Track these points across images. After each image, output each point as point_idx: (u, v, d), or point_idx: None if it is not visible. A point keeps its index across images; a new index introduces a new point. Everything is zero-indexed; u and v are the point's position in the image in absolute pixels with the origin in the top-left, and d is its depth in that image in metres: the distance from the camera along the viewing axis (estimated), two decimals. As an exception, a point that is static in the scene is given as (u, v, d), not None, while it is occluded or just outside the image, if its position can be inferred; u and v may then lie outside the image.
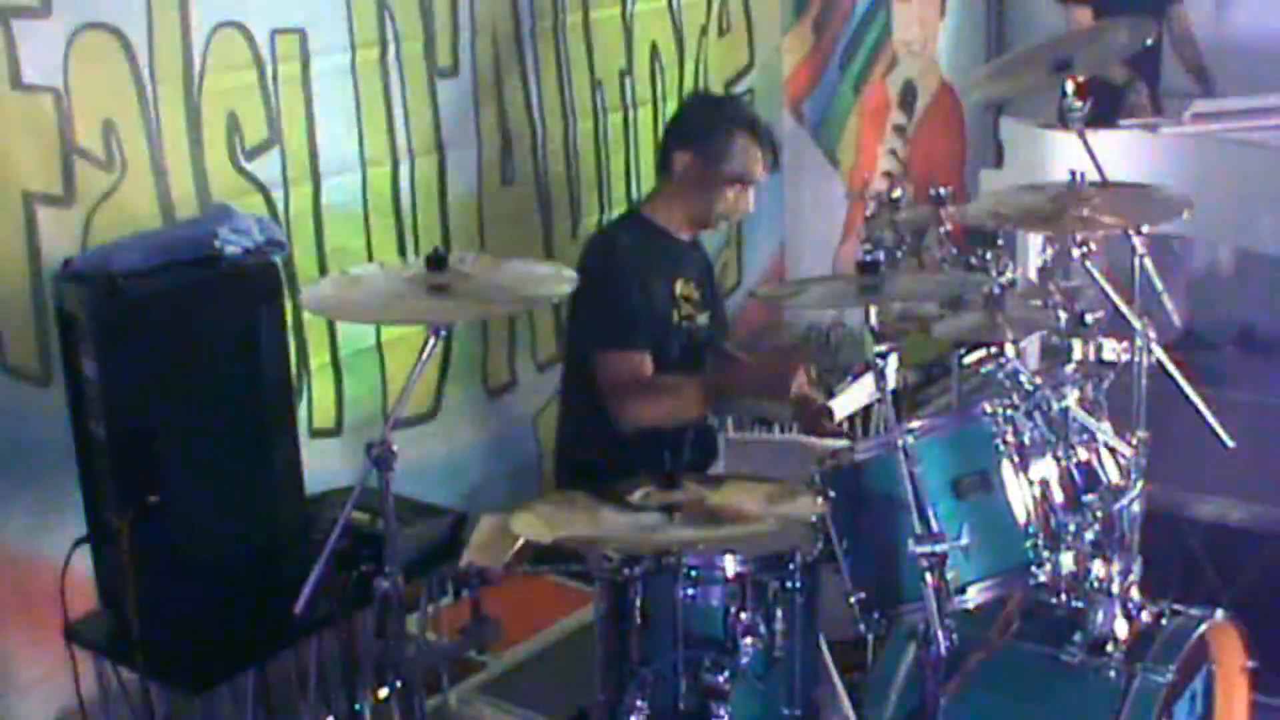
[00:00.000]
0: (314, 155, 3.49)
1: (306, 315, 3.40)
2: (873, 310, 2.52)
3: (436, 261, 2.48)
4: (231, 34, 3.27)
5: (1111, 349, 2.89)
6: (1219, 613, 2.78)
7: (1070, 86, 3.19)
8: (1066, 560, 2.59)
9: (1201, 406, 2.98)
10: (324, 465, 3.35)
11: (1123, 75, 5.02)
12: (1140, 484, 2.80)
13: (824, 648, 2.71)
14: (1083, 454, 2.68)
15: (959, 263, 3.45)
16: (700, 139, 3.43)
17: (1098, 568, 2.63)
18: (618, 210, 4.24)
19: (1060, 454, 2.64)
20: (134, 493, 2.62)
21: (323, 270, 3.50)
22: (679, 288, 3.47)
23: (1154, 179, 3.25)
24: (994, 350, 2.77)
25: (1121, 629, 2.62)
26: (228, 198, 3.14)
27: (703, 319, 3.57)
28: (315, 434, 3.54)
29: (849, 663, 2.87)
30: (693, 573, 2.42)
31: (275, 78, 3.36)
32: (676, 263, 3.49)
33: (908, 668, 2.70)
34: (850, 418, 3.66)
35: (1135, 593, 2.73)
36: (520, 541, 2.53)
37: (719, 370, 3.51)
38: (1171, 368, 2.98)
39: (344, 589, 2.68)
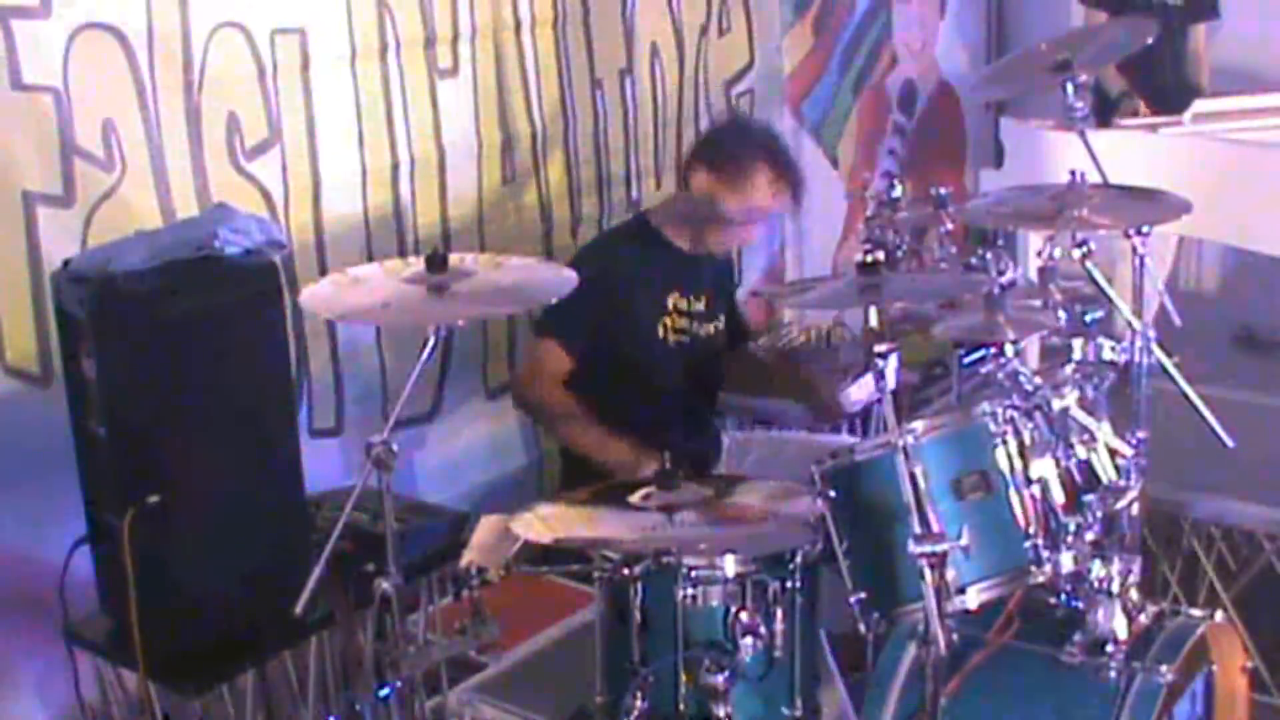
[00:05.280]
0: (314, 155, 3.49)
1: (306, 315, 3.40)
2: (873, 310, 2.52)
3: (436, 261, 2.48)
4: (231, 34, 3.27)
5: (1111, 349, 2.89)
6: (1219, 613, 2.78)
7: (1070, 87, 3.19)
8: (1066, 560, 2.58)
9: (1201, 406, 2.98)
10: (324, 465, 3.35)
11: (1118, 87, 5.01)
12: (1140, 484, 2.80)
13: (825, 646, 2.72)
14: (1083, 454, 2.67)
15: (959, 263, 3.46)
16: (723, 163, 3.41)
17: (1098, 568, 2.63)
18: (617, 210, 4.25)
19: (1060, 454, 2.63)
20: (134, 493, 2.62)
21: (323, 270, 3.51)
22: (672, 301, 3.47)
23: (1154, 179, 3.25)
24: (994, 350, 2.77)
25: (1121, 629, 2.62)
26: (228, 198, 3.14)
27: (711, 328, 3.56)
28: (315, 434, 3.55)
29: (849, 662, 2.88)
30: (693, 573, 2.42)
31: (275, 78, 3.36)
32: (674, 275, 3.49)
33: (908, 668, 2.70)
34: (852, 416, 3.68)
35: (1135, 593, 2.73)
36: (520, 541, 2.53)
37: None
38: (1171, 368, 2.98)
39: (344, 589, 2.68)
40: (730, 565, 2.43)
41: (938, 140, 5.94)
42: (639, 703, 2.41)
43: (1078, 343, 2.84)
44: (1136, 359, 2.94)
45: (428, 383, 3.79)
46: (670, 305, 3.46)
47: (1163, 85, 5.09)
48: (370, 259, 3.60)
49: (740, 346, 3.79)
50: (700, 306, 3.52)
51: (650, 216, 3.56)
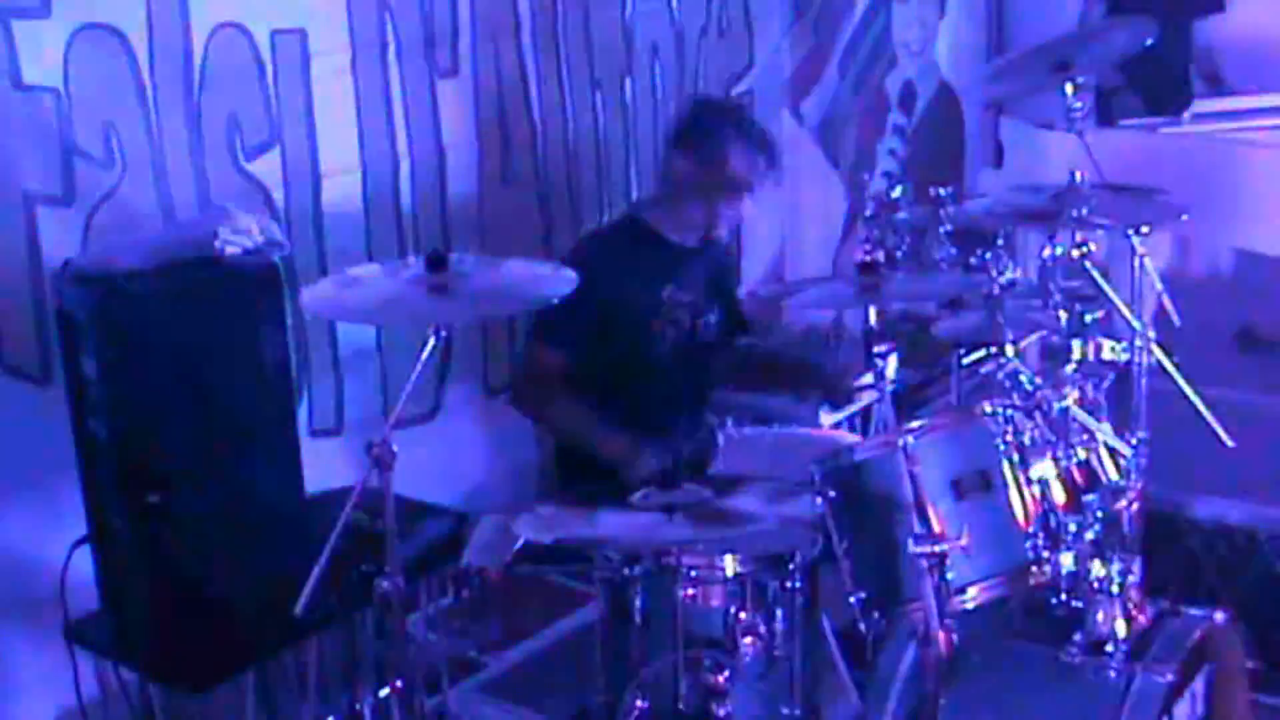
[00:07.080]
0: (314, 155, 3.49)
1: (306, 315, 3.40)
2: (872, 310, 2.52)
3: (436, 261, 2.48)
4: (231, 34, 3.27)
5: (1111, 349, 2.89)
6: (1219, 613, 2.78)
7: (1070, 87, 3.19)
8: (1066, 560, 2.58)
9: (1201, 406, 2.98)
10: (324, 465, 3.34)
11: (1112, 83, 5.01)
12: (1140, 484, 2.80)
13: (830, 638, 2.72)
14: (1083, 454, 2.68)
15: (959, 263, 3.46)
16: (698, 144, 3.43)
17: (1098, 568, 2.63)
18: (618, 210, 4.24)
19: (1060, 454, 2.64)
20: (134, 493, 2.62)
21: (323, 270, 3.50)
22: (667, 294, 3.47)
23: (1154, 179, 3.25)
24: (994, 350, 2.77)
25: (1121, 629, 2.62)
26: (228, 198, 3.14)
27: (705, 321, 3.56)
28: (315, 434, 3.54)
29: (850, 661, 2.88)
30: (693, 573, 2.42)
31: (275, 78, 3.36)
32: (669, 269, 3.49)
33: (908, 668, 2.70)
34: (850, 418, 3.67)
35: (1135, 593, 2.73)
36: (520, 541, 2.53)
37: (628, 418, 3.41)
38: (1171, 368, 2.98)
39: (344, 589, 2.68)
40: (730, 565, 2.43)
41: (938, 140, 5.94)
42: (639, 703, 2.41)
43: (1077, 343, 2.84)
44: (1136, 359, 2.94)
45: (428, 383, 3.79)
46: (665, 299, 3.47)
47: (1159, 82, 5.08)
48: (370, 259, 3.61)
49: (735, 342, 3.79)
50: (695, 299, 3.53)
51: (640, 212, 3.57)
